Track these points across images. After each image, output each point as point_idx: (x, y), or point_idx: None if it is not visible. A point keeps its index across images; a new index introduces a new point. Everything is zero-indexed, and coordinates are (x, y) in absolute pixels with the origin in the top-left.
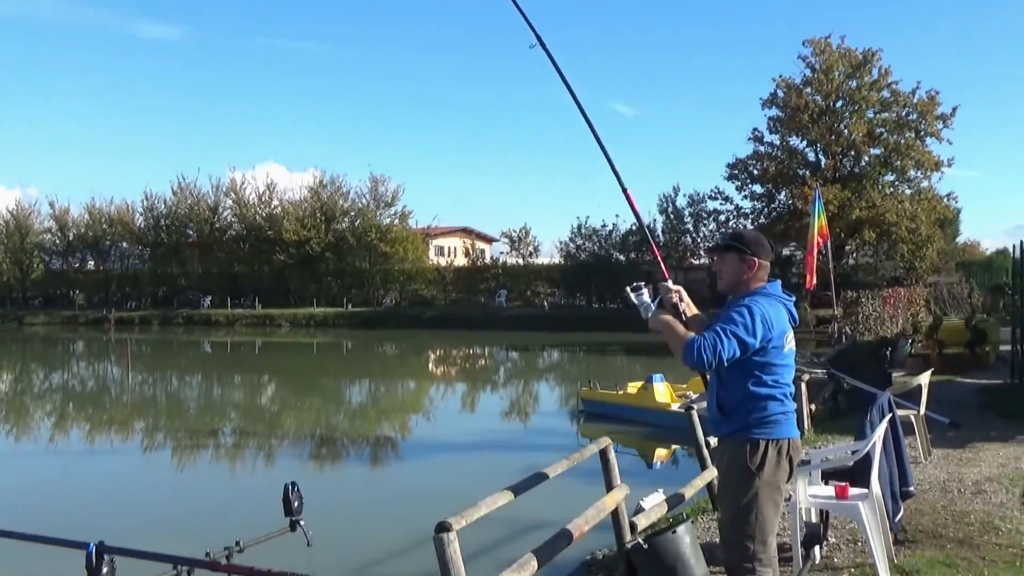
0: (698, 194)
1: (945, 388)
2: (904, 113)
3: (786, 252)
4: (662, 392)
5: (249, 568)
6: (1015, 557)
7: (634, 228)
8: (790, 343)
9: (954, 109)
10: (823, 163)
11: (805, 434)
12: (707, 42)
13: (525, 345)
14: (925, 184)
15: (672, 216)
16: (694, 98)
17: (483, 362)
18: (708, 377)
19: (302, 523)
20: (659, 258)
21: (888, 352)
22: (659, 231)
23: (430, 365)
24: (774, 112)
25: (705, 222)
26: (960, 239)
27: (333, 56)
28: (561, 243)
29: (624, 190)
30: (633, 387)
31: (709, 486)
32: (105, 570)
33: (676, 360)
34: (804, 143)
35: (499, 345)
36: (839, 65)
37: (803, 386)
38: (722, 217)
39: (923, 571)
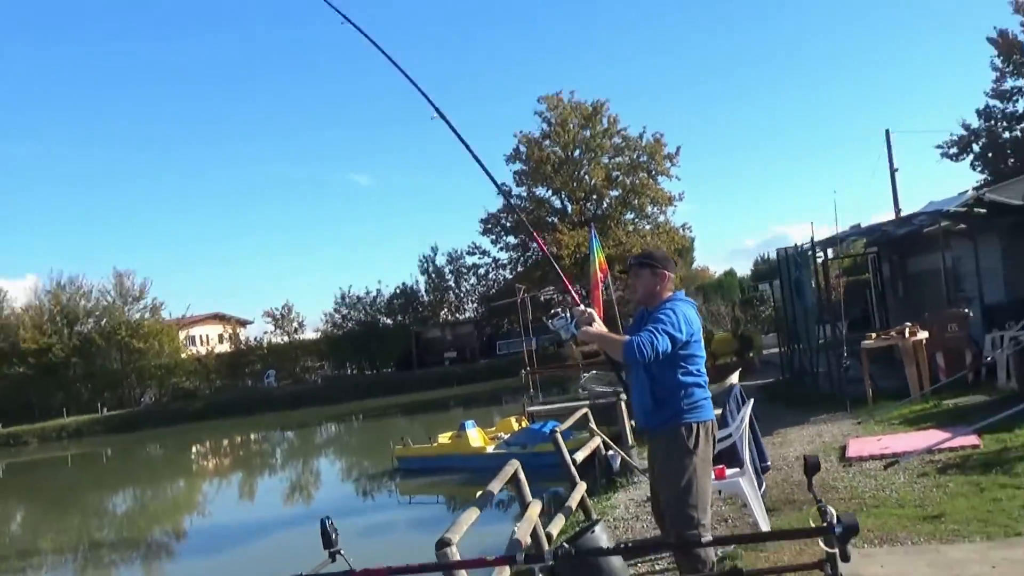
0: (456, 251)
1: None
2: (636, 156)
3: (544, 296)
4: (475, 437)
5: None
6: (859, 505)
7: (398, 291)
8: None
9: (678, 148)
10: (570, 209)
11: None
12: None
13: (301, 422)
14: (662, 218)
15: (434, 275)
16: (437, 160)
17: (258, 447)
18: (625, 377)
19: (342, 552)
20: (568, 287)
21: None
22: (422, 291)
23: (201, 460)
24: (518, 166)
25: (466, 277)
26: (694, 265)
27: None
28: (326, 315)
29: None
30: (444, 437)
31: (582, 499)
32: None
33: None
34: (550, 192)
35: (273, 427)
36: (572, 117)
37: (622, 405)
38: (481, 271)
39: (794, 525)
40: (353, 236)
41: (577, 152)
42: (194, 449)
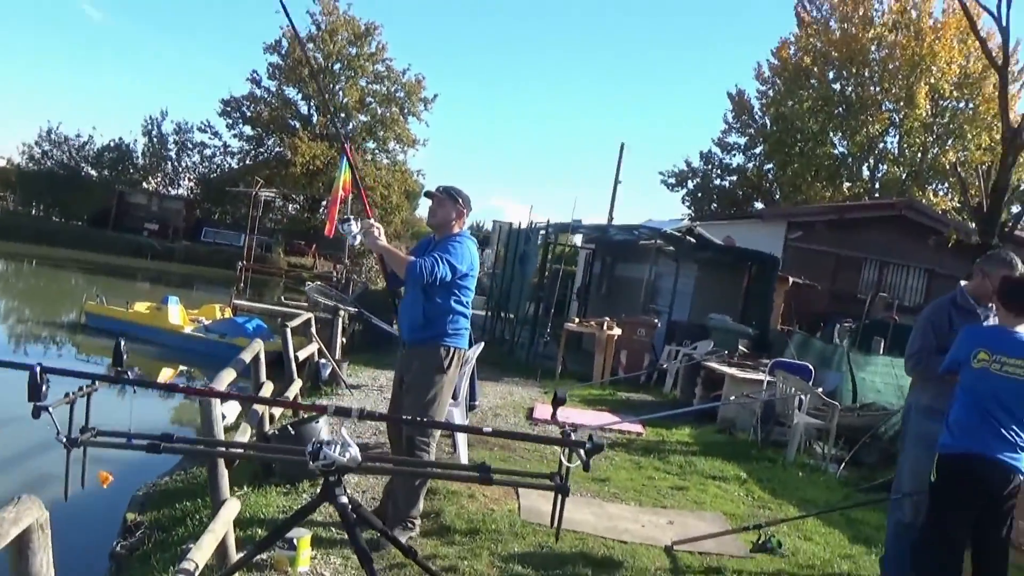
0: (187, 123)
1: None
2: (393, 89)
3: (267, 197)
4: (176, 315)
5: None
6: (541, 459)
7: (112, 144)
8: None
9: (435, 96)
10: (315, 119)
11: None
12: None
13: None
14: (401, 157)
15: (156, 140)
16: (180, 22)
17: None
18: (398, 299)
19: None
20: (364, 198)
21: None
22: (139, 152)
23: None
24: (276, 59)
25: (190, 152)
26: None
27: None
28: (25, 146)
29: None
30: (142, 307)
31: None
32: (44, 388)
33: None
34: (300, 96)
35: None
36: (344, 30)
37: (339, 319)
38: (208, 151)
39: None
40: (75, 72)
41: (337, 66)
42: None
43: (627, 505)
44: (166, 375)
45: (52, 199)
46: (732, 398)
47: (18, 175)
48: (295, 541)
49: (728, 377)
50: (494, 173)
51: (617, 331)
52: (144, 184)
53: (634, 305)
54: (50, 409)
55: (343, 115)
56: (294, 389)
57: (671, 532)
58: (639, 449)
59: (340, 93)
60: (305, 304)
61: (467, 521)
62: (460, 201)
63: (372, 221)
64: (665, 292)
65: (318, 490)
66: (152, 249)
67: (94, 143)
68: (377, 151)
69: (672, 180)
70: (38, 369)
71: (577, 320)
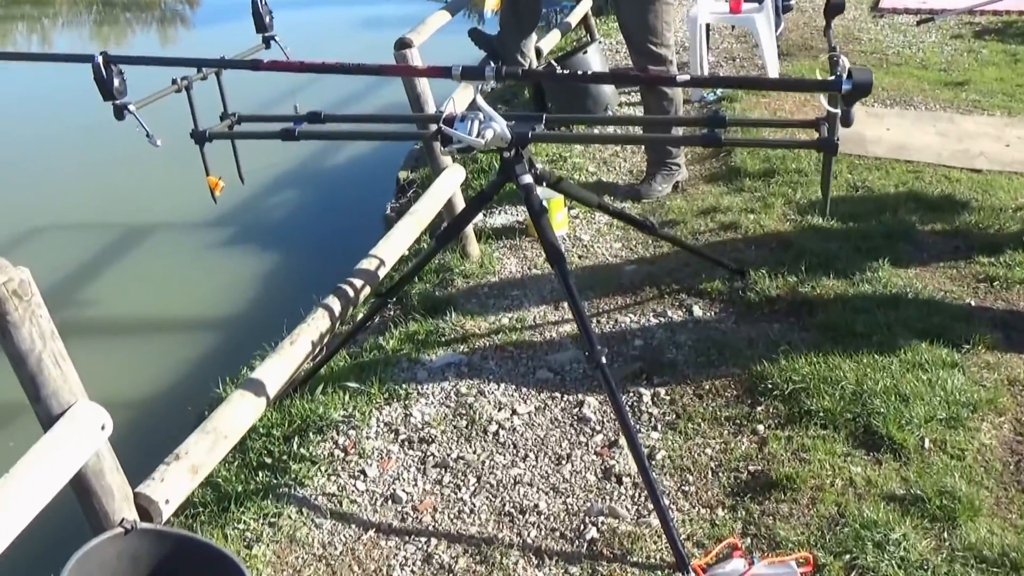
0: None
1: None
2: None
3: None
4: None
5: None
6: (880, 60)
7: None
8: None
9: None
10: None
11: None
12: None
13: None
14: None
15: None
16: None
17: None
18: None
19: (276, 39)
20: None
21: None
22: None
23: None
24: None
25: None
26: None
27: None
28: None
29: None
30: None
31: (585, 16)
32: (116, 82)
33: None
34: None
35: None
36: None
37: None
38: None
39: (806, 75)
40: None
41: None
42: None
43: (990, 116)
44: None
45: None
46: None
47: None
48: (545, 203)
49: None
50: None
51: None
52: None
53: None
54: (131, 108)
55: None
56: (580, 10)
57: None
58: (1020, 35)
59: None
60: None
61: (762, 159)
62: None
63: None
64: None
65: None
66: None
67: None
68: None
69: None
70: (100, 60)
71: None
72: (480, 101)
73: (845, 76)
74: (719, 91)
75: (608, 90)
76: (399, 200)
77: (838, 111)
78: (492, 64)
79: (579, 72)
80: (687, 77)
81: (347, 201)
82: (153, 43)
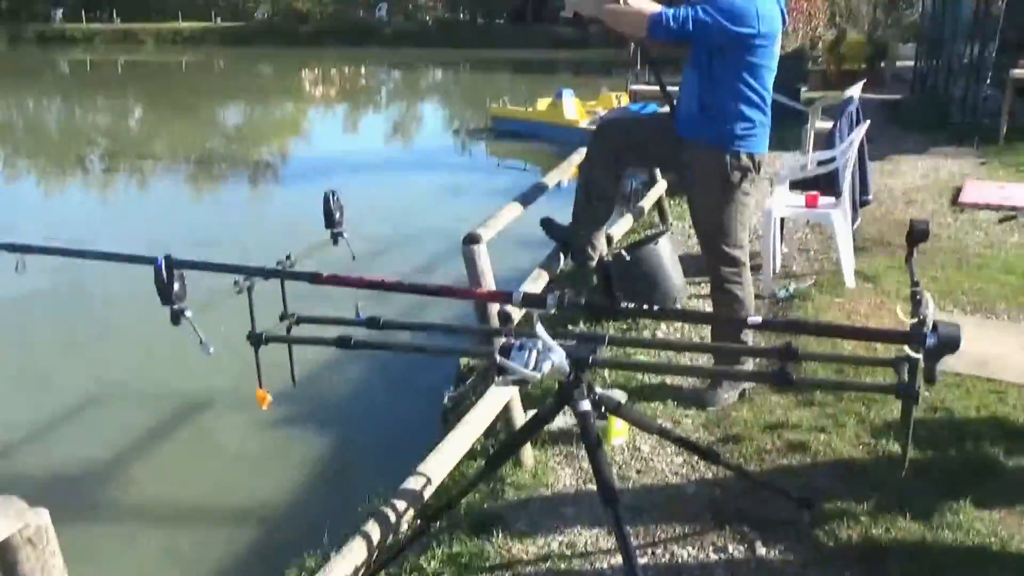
0: None
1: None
2: None
3: None
4: (571, 108)
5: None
6: (960, 261)
7: None
8: (778, 45)
9: None
10: None
11: None
12: None
13: (408, 63)
14: None
15: None
16: None
17: (365, 81)
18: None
19: (344, 235)
20: None
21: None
22: None
23: (310, 85)
24: None
25: None
26: None
27: None
28: None
29: None
30: (543, 103)
31: (659, 200)
32: (176, 286)
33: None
34: None
35: (381, 63)
36: None
37: None
38: None
39: (881, 275)
40: None
41: None
42: (303, 73)
43: None
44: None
45: (474, 1)
46: None
47: None
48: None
49: None
50: None
51: None
52: None
53: None
54: (188, 314)
55: None
56: (654, 194)
57: None
58: None
59: None
60: None
61: (835, 369)
62: None
63: None
64: None
65: None
66: (569, 38)
67: None
68: None
69: None
70: (163, 264)
71: None
72: (540, 330)
73: (930, 328)
74: (791, 288)
75: (678, 281)
76: (458, 388)
77: (919, 356)
78: (563, 256)
79: (651, 261)
80: (759, 320)
81: (404, 383)
82: (244, 194)
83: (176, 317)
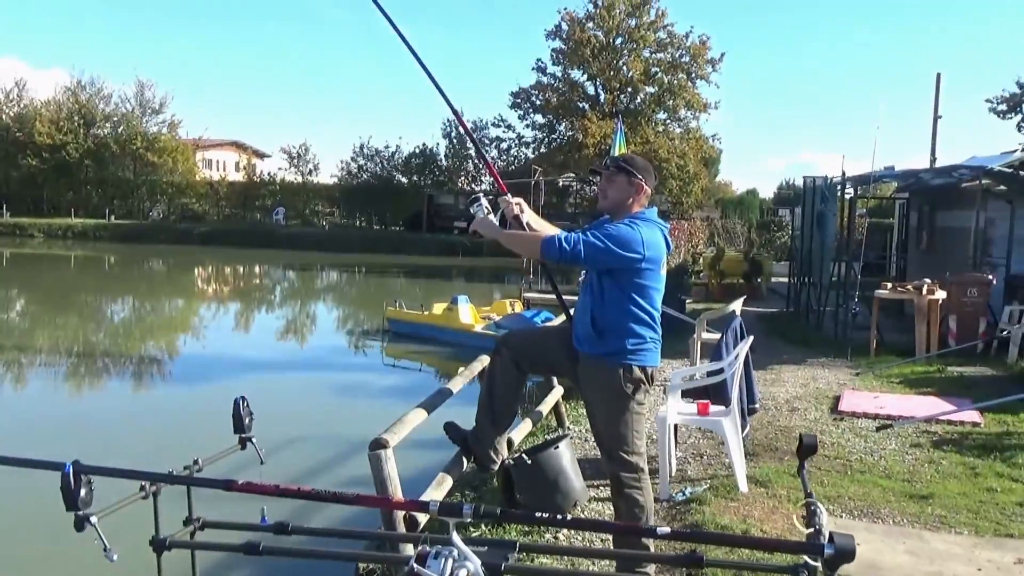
0: (482, 121)
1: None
2: (678, 55)
3: (563, 183)
4: (466, 313)
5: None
6: (844, 467)
7: (417, 151)
8: (664, 268)
9: (722, 55)
10: (602, 98)
11: None
12: None
13: (304, 264)
14: (693, 124)
15: (455, 141)
16: (478, 23)
17: (259, 281)
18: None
19: (253, 440)
20: (494, 175)
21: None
22: (441, 155)
23: (202, 283)
24: (558, 44)
25: (487, 148)
26: (717, 178)
27: None
28: (342, 163)
29: (454, 111)
30: (439, 308)
31: (556, 405)
32: (83, 492)
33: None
34: (585, 77)
35: (277, 264)
36: (620, 3)
37: None
38: (504, 144)
39: (773, 480)
40: (380, 89)
41: (619, 40)
42: (196, 271)
43: (958, 535)
44: None
45: (371, 208)
46: None
47: (340, 190)
48: None
49: None
50: (800, 126)
51: (941, 294)
52: (449, 185)
53: (961, 260)
54: (93, 520)
55: (630, 89)
56: (551, 399)
57: None
58: (975, 447)
59: (624, 68)
60: None
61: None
62: (636, 172)
63: (509, 197)
64: (998, 241)
65: None
66: (463, 246)
67: (401, 152)
68: (669, 120)
69: (1003, 107)
70: (70, 470)
71: (889, 285)
72: (456, 539)
73: (826, 539)
74: (688, 491)
75: (578, 485)
76: None
77: (818, 565)
78: (465, 460)
79: (552, 465)
80: (667, 530)
81: None
82: (126, 392)
83: (80, 523)
